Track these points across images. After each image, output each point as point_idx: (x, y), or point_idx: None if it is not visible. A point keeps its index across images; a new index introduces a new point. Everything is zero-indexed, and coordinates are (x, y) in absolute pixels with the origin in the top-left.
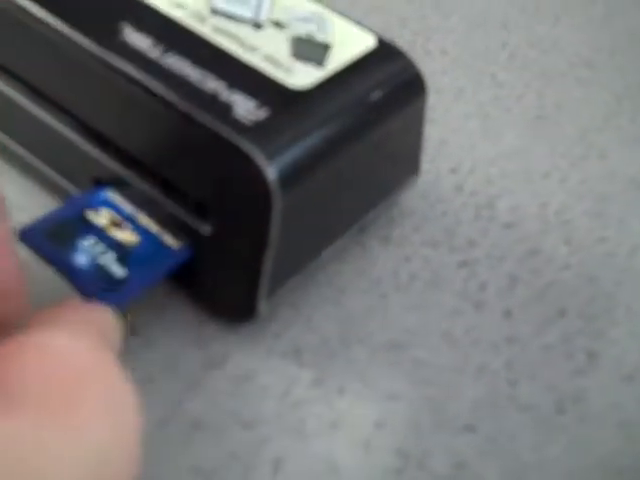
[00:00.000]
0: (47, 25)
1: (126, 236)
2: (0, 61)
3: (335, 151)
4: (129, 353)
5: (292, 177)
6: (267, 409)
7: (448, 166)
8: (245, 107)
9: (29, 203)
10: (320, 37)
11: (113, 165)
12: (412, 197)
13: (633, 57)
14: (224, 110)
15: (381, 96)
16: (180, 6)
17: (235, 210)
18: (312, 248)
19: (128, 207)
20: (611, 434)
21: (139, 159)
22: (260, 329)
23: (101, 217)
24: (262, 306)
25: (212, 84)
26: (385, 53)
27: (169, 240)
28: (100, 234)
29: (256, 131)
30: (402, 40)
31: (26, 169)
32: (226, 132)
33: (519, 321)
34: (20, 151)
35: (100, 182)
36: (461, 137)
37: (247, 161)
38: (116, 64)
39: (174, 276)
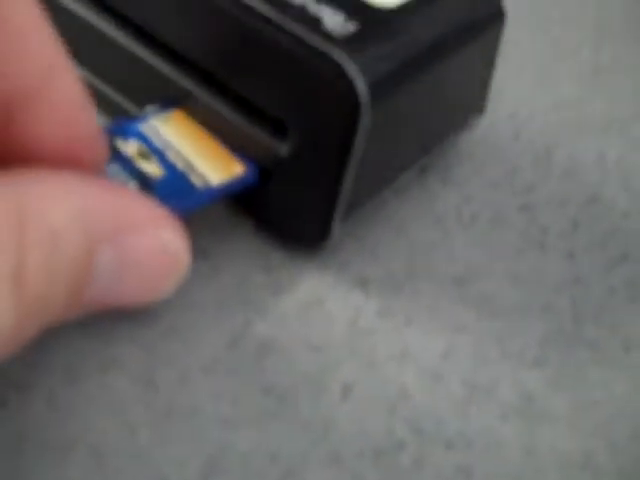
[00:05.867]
0: None
1: (152, 168)
2: None
3: (420, 69)
4: (199, 278)
5: (380, 91)
6: (336, 335)
7: (506, 112)
8: (334, 20)
9: None
10: None
11: (184, 82)
12: (470, 142)
13: None
14: (313, 22)
15: (462, 19)
16: None
17: (319, 125)
18: (386, 174)
19: (159, 141)
20: None
21: (214, 74)
22: (326, 259)
23: (129, 147)
24: (336, 230)
25: None
26: None
27: (196, 178)
28: (125, 163)
29: (346, 43)
30: None
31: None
32: (316, 42)
33: (582, 263)
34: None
35: (168, 99)
36: (518, 86)
37: (338, 71)
38: None
39: (239, 202)
